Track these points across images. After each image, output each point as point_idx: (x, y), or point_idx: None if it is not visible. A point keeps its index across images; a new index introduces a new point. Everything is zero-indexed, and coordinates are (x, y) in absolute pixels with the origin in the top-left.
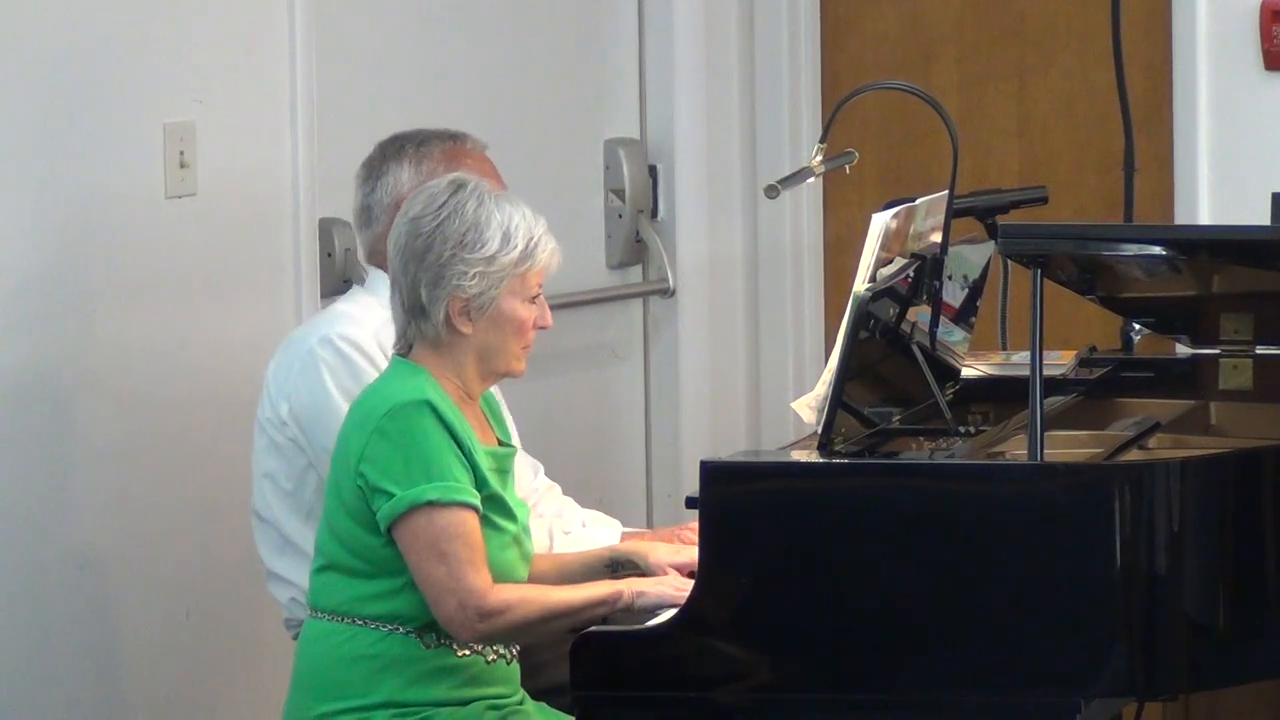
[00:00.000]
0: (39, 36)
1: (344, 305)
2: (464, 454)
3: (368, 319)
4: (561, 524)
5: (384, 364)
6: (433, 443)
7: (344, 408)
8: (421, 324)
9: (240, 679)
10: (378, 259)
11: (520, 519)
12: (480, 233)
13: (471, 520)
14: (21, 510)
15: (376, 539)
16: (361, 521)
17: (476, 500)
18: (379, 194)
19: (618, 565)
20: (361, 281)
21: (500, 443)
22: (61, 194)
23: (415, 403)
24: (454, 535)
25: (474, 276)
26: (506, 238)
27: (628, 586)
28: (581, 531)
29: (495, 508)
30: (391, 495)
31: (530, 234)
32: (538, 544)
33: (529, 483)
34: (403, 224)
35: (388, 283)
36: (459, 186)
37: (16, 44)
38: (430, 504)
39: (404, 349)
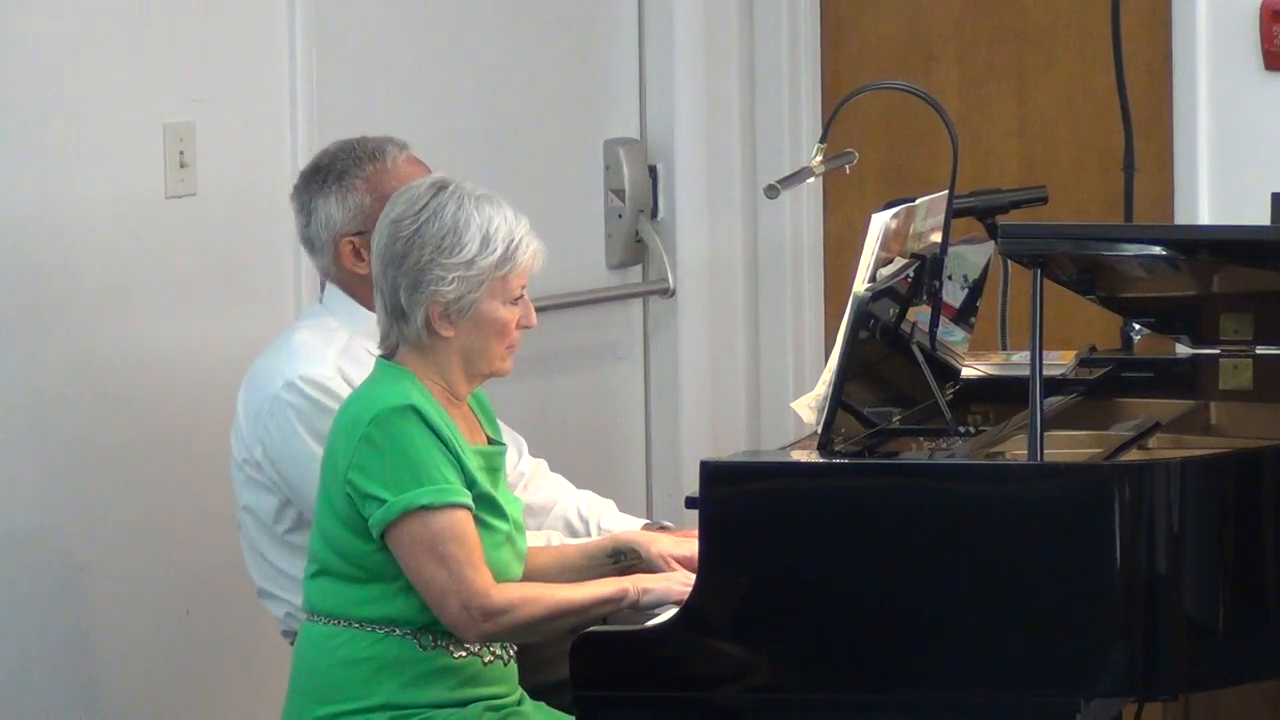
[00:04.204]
0: (39, 36)
1: (305, 334)
2: (452, 455)
3: (327, 352)
4: (557, 535)
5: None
6: (420, 447)
7: (318, 451)
8: (403, 327)
9: (240, 681)
10: (332, 278)
11: (512, 516)
12: (459, 236)
13: (466, 520)
14: (20, 511)
15: (368, 545)
16: (353, 528)
17: (469, 499)
18: (314, 228)
19: (620, 555)
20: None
21: (490, 440)
22: (61, 194)
23: (400, 408)
24: (451, 537)
25: (453, 281)
26: (486, 241)
27: (633, 584)
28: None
29: (486, 507)
30: (383, 501)
31: (511, 236)
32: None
33: (513, 464)
34: (384, 226)
35: (346, 301)
36: (440, 188)
37: (17, 44)
38: (424, 508)
39: (389, 351)
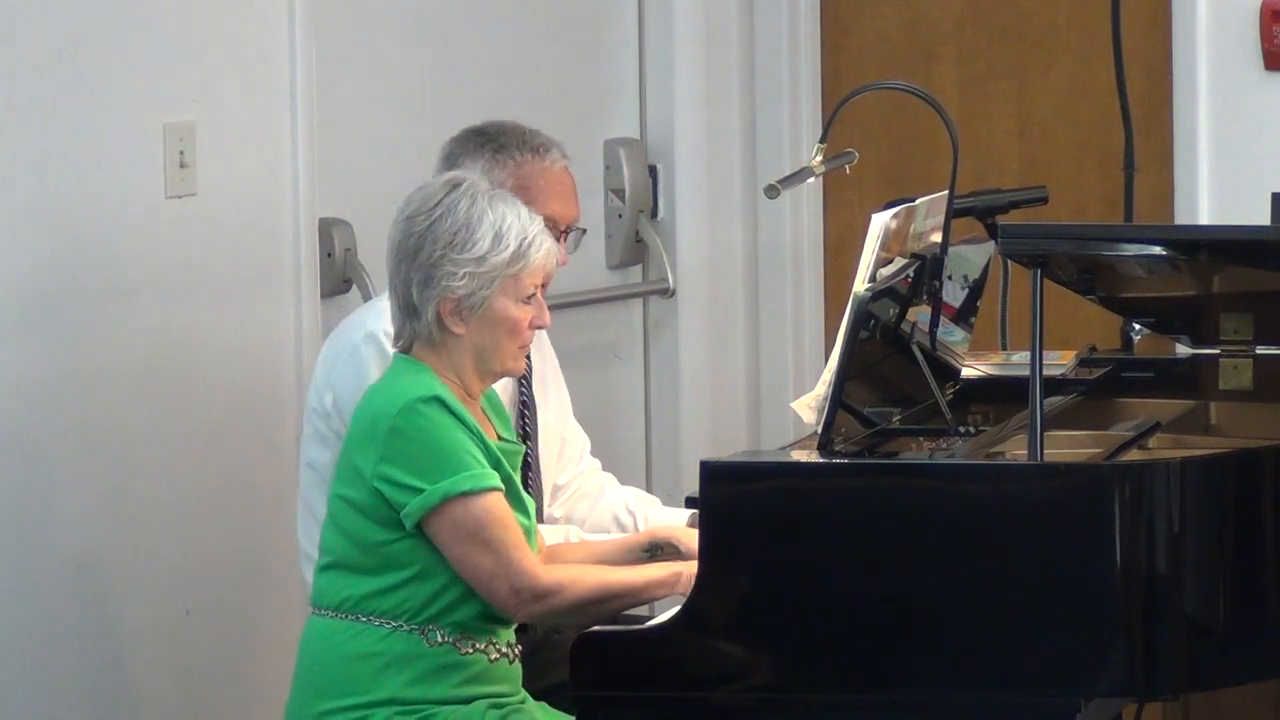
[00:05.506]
0: (39, 36)
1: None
2: (479, 441)
3: None
4: (576, 531)
5: None
6: (450, 434)
7: None
8: (415, 323)
9: (241, 677)
10: None
11: (530, 515)
12: (471, 233)
13: (503, 502)
14: (20, 510)
15: (391, 534)
16: (375, 518)
17: (500, 483)
18: None
19: (656, 549)
20: None
21: (500, 438)
22: (62, 194)
23: (426, 398)
24: (492, 520)
25: (463, 277)
26: (498, 238)
27: (686, 568)
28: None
29: (510, 496)
30: (420, 490)
31: (524, 234)
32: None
33: (577, 461)
34: (398, 222)
35: None
36: (454, 185)
37: (17, 44)
38: (464, 494)
39: (405, 347)
